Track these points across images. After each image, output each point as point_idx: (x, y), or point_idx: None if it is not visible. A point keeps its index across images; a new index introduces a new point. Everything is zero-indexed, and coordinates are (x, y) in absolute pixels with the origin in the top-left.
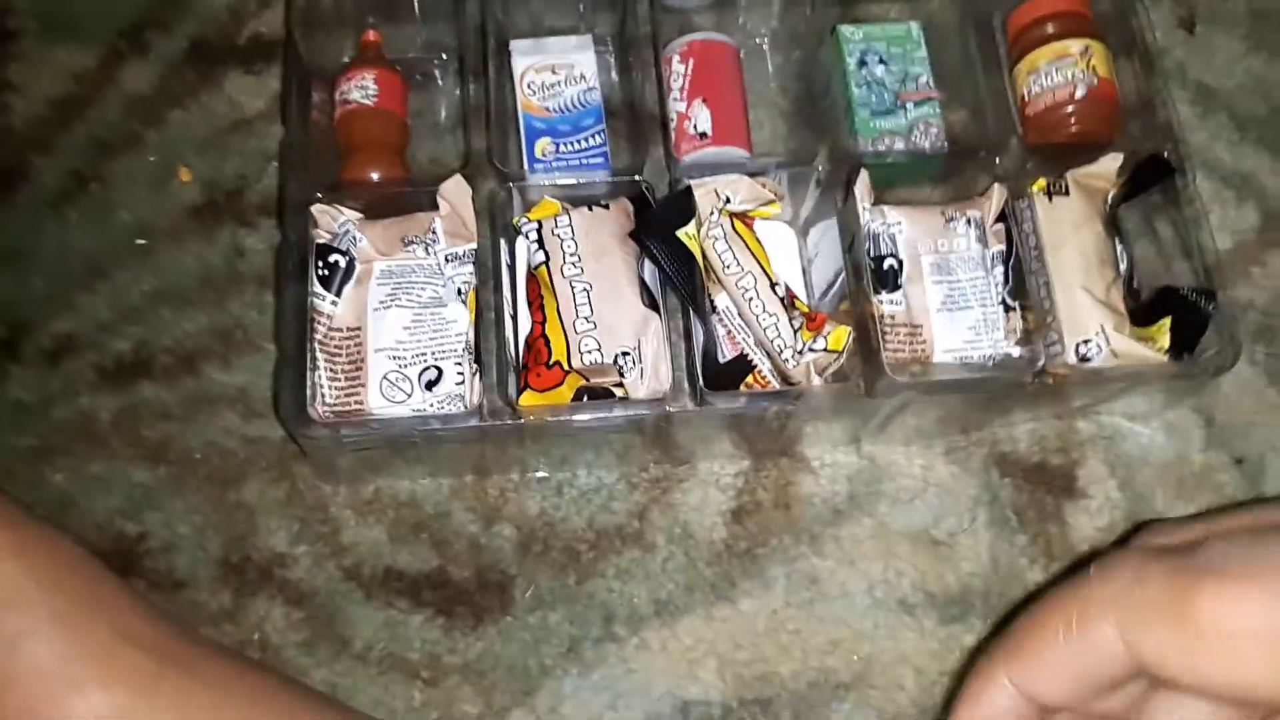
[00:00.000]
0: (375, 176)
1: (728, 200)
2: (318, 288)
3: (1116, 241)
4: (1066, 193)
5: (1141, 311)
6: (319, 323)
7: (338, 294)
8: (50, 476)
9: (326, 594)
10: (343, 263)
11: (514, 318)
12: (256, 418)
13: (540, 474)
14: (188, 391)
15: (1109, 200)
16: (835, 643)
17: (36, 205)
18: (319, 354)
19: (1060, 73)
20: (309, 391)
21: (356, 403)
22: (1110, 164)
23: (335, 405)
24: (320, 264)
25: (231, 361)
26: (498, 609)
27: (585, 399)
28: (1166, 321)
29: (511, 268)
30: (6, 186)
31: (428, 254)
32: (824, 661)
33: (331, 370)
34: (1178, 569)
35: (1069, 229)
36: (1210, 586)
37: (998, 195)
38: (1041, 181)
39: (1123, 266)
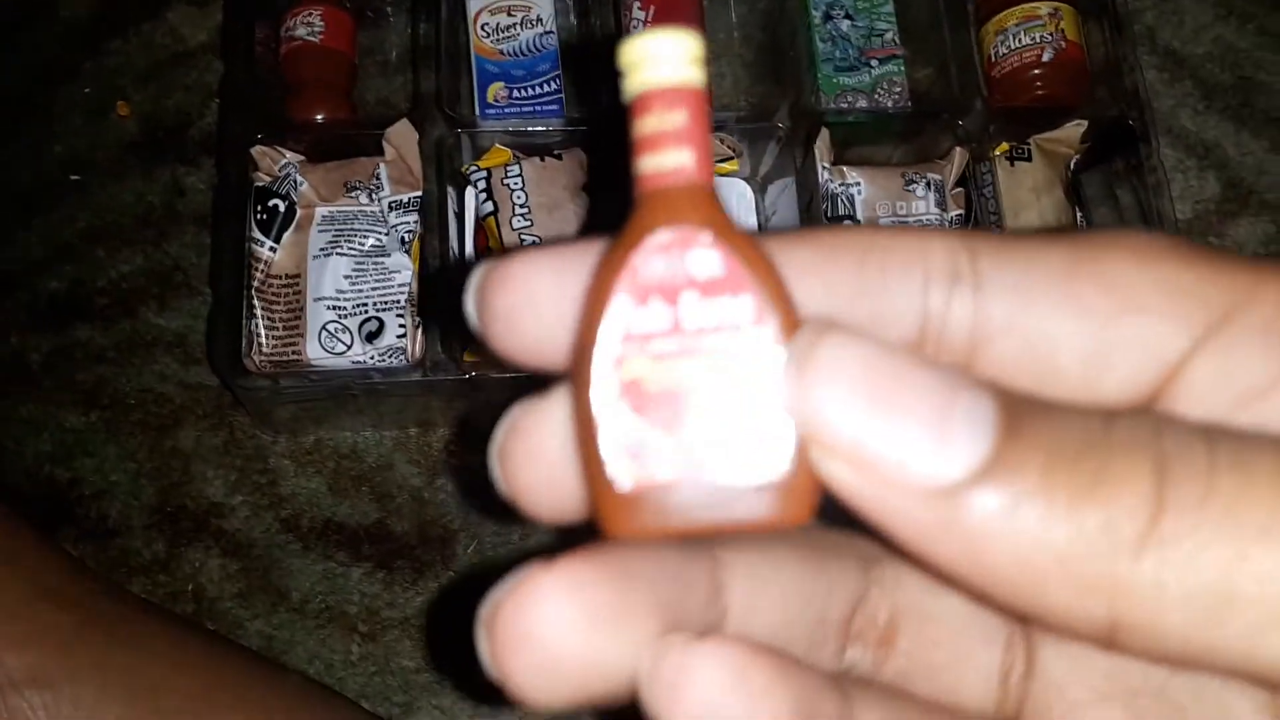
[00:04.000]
0: (320, 117)
1: None
2: (256, 232)
3: (1076, 209)
4: (1029, 158)
5: None
6: (257, 269)
7: (277, 239)
8: None
9: (264, 545)
10: (282, 207)
11: (461, 269)
12: (194, 363)
13: None
14: (123, 334)
15: (1071, 166)
16: None
17: None
18: (256, 301)
19: (1028, 34)
20: (245, 340)
21: (294, 353)
22: (1074, 130)
23: (272, 355)
24: (259, 208)
25: (169, 305)
26: (439, 563)
27: None
28: None
29: (460, 216)
30: None
31: (371, 200)
32: None
33: (269, 318)
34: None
35: (1029, 195)
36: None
37: (959, 158)
38: (1004, 146)
39: None
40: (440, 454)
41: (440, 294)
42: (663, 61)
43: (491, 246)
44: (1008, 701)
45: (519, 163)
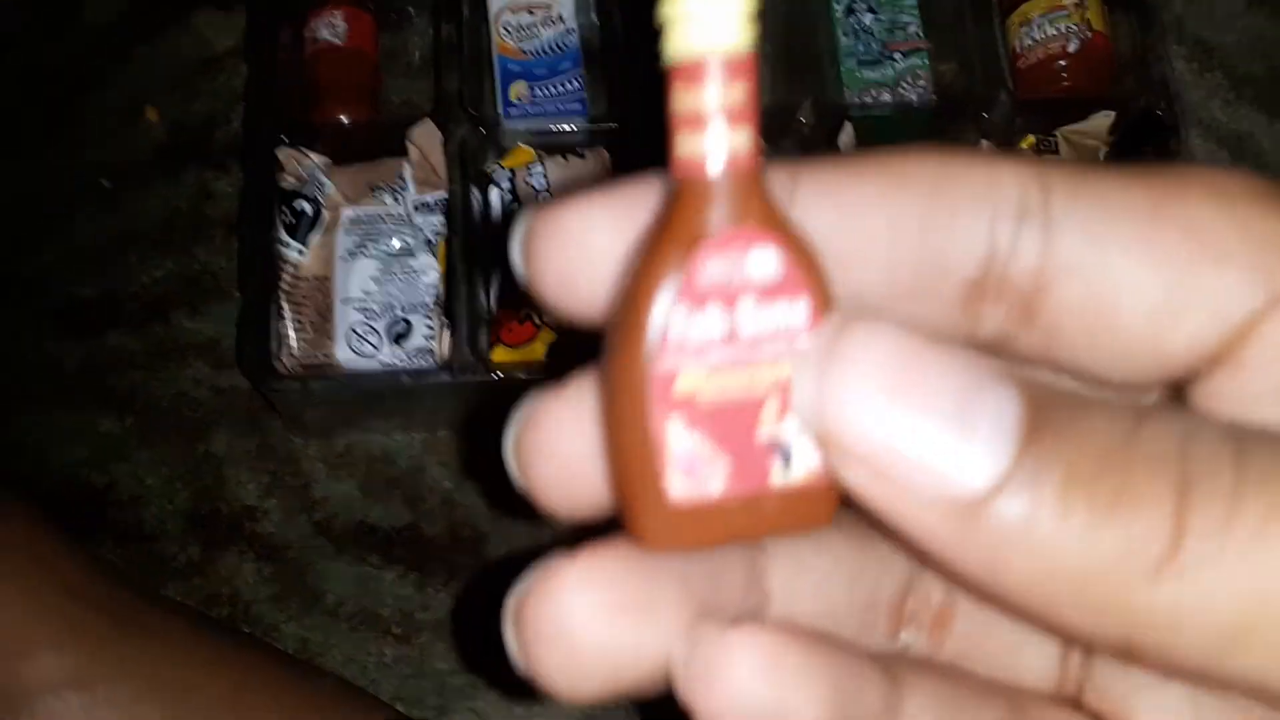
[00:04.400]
0: (344, 119)
1: None
2: (283, 235)
3: None
4: (1056, 151)
5: None
6: (285, 271)
7: (304, 242)
8: (13, 426)
9: (297, 548)
10: (309, 210)
11: (487, 269)
12: (227, 367)
13: None
14: (155, 340)
15: (1099, 159)
16: None
17: None
18: (285, 304)
19: (1053, 25)
20: (274, 342)
21: (323, 355)
22: (1102, 121)
23: (302, 357)
24: (286, 211)
25: (200, 309)
26: (471, 566)
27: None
28: None
29: (485, 216)
30: None
31: (396, 202)
32: None
33: (298, 321)
34: None
35: None
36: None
37: None
38: (1031, 139)
39: None
40: (470, 455)
41: (465, 294)
42: (715, 21)
43: None
44: (1068, 682)
45: (542, 161)
